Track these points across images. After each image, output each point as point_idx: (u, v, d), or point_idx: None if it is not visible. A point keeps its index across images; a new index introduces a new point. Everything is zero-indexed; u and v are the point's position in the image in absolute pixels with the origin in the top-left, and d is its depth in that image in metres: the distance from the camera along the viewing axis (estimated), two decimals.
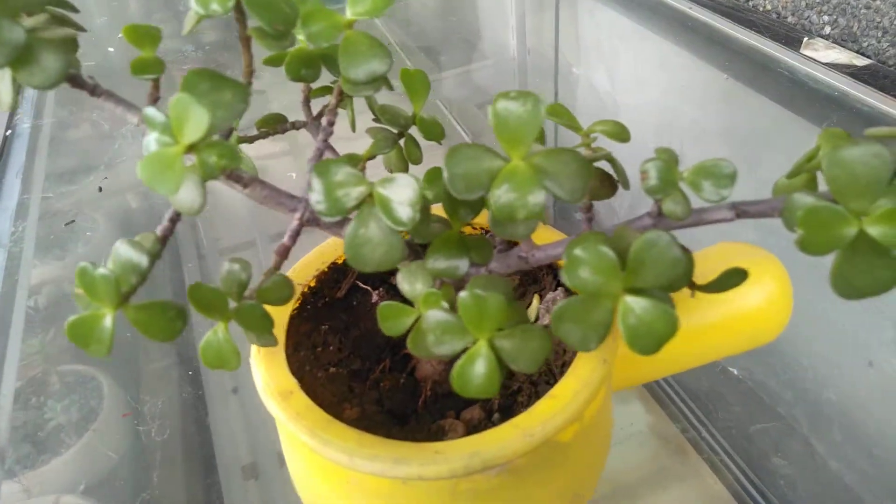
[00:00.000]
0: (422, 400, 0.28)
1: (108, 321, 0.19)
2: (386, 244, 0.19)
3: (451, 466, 0.22)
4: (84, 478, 0.40)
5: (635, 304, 0.17)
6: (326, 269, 0.31)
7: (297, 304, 0.30)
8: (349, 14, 0.22)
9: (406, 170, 0.29)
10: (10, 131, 0.66)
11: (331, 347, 0.30)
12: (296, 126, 0.28)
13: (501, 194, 0.18)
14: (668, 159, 0.19)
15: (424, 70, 0.27)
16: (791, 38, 0.67)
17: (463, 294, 0.18)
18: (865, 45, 0.63)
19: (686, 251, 0.21)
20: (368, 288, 0.30)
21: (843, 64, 0.62)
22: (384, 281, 0.32)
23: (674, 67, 0.75)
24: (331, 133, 0.23)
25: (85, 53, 0.22)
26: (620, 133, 0.23)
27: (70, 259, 0.55)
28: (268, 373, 0.25)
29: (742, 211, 0.19)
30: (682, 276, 0.20)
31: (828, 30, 0.66)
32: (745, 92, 0.65)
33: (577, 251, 0.17)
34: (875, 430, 0.40)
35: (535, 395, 0.26)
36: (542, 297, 0.30)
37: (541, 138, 0.21)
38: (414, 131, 0.28)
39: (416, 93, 0.27)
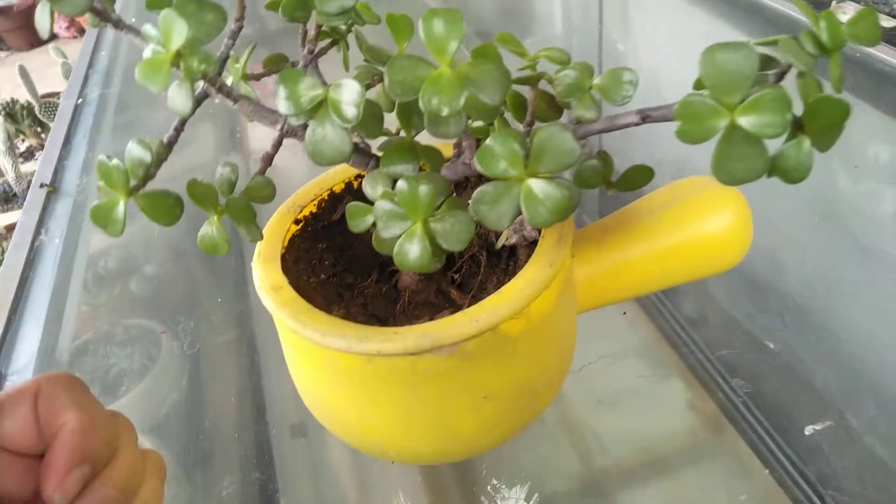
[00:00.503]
0: (399, 304, 0.31)
1: (121, 206, 0.23)
2: (338, 140, 0.22)
3: (405, 344, 0.26)
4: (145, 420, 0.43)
5: (535, 185, 0.20)
6: (325, 196, 0.35)
7: (300, 227, 0.34)
8: None
9: (393, 108, 0.32)
10: (80, 100, 0.74)
11: (326, 262, 0.34)
12: (294, 65, 0.32)
13: (430, 97, 0.21)
14: (583, 70, 0.22)
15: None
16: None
17: (400, 183, 0.22)
18: None
19: (605, 155, 0.24)
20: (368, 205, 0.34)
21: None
22: None
23: (716, 42, 0.75)
24: (311, 60, 0.27)
25: None
26: (562, 58, 0.26)
27: None
28: (264, 272, 0.30)
29: (646, 115, 0.22)
30: (596, 175, 0.23)
31: None
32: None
33: (489, 141, 0.21)
34: None
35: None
36: None
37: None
38: None
39: (400, 33, 0.30)
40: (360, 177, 0.37)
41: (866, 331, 0.42)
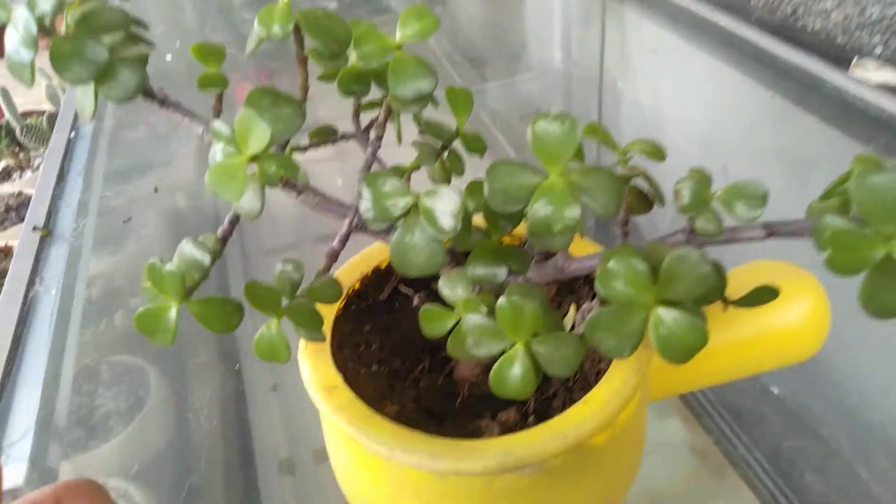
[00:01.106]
0: (459, 400, 0.29)
1: (172, 313, 0.21)
2: (428, 251, 0.20)
3: (485, 463, 0.23)
4: (131, 463, 0.43)
5: (666, 315, 0.18)
6: (370, 273, 0.33)
7: (342, 305, 0.32)
8: (398, 37, 0.23)
9: (448, 181, 0.30)
10: (73, 133, 0.70)
11: (372, 347, 0.31)
12: (345, 137, 0.30)
13: (539, 208, 0.19)
14: (701, 179, 0.20)
15: (469, 81, 0.28)
16: (840, 58, 0.66)
17: (501, 300, 0.20)
18: None
19: (719, 267, 0.22)
20: (410, 292, 0.31)
21: (894, 85, 0.61)
22: (425, 286, 0.33)
23: (719, 85, 0.74)
24: (378, 147, 0.24)
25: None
26: (656, 152, 0.24)
27: (123, 255, 0.58)
28: (314, 368, 0.27)
29: (773, 230, 0.20)
30: (714, 290, 0.21)
31: (879, 49, 0.65)
32: (792, 111, 0.65)
33: (611, 263, 0.18)
34: None
35: (570, 401, 0.27)
36: (578, 307, 0.30)
37: (579, 155, 0.22)
38: (457, 144, 0.29)
39: (460, 108, 0.28)
40: None
41: (877, 384, 0.41)
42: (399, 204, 0.20)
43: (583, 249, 0.30)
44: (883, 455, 0.39)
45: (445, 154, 0.29)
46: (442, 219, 0.19)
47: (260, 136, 0.18)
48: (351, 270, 0.32)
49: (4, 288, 0.50)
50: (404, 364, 0.31)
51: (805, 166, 0.60)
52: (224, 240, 0.23)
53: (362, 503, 0.29)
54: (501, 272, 0.22)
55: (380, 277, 0.33)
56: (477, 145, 0.29)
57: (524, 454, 0.23)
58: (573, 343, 0.20)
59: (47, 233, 0.56)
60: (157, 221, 0.63)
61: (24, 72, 0.20)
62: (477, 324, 0.21)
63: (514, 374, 0.20)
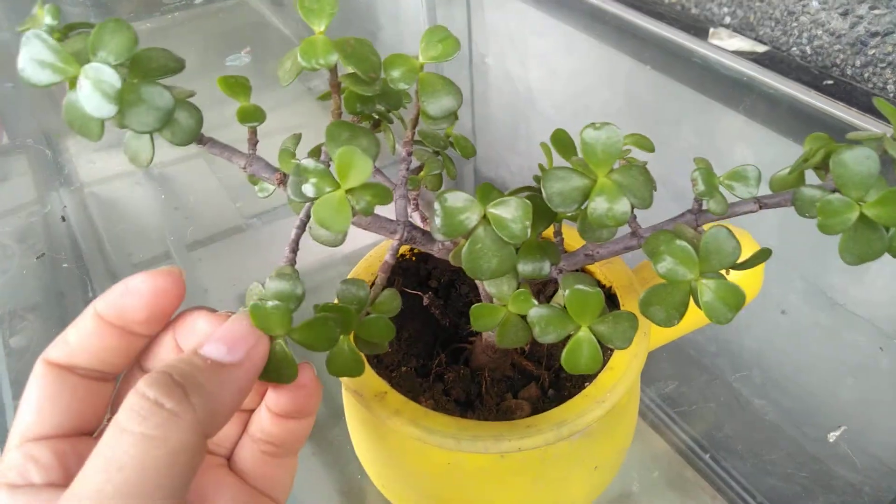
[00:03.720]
0: (483, 386, 0.31)
1: (284, 348, 0.22)
2: (500, 256, 0.22)
3: (544, 437, 0.26)
4: None
5: (709, 285, 0.22)
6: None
7: None
8: (421, 58, 0.25)
9: (441, 185, 0.32)
10: None
11: (390, 350, 0.33)
12: None
13: (597, 206, 0.22)
14: (708, 168, 0.24)
15: None
16: (698, 29, 0.75)
17: (568, 292, 0.22)
18: (762, 33, 0.72)
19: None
20: (419, 293, 0.33)
21: (746, 51, 0.70)
22: (427, 287, 0.35)
23: (584, 56, 0.81)
24: (410, 162, 0.26)
25: None
26: (647, 144, 0.28)
27: None
28: (360, 379, 0.28)
29: (763, 203, 0.25)
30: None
31: (728, 20, 0.75)
32: (653, 76, 0.72)
33: (662, 248, 0.22)
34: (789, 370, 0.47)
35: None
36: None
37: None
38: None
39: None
40: (412, 250, 0.36)
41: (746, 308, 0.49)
42: (473, 217, 0.22)
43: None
44: (757, 372, 0.47)
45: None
46: (513, 226, 0.22)
47: (361, 169, 0.19)
48: (367, 269, 0.33)
49: None
50: (419, 362, 0.33)
51: (669, 126, 0.67)
52: (292, 263, 0.24)
53: (413, 496, 0.31)
54: (546, 265, 0.25)
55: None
56: (468, 149, 0.32)
57: (575, 423, 0.26)
58: (628, 319, 0.23)
59: None
60: None
61: (93, 127, 0.19)
62: (543, 314, 0.23)
63: (584, 354, 0.23)
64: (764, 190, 0.25)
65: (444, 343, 0.34)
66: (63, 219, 0.60)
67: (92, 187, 0.67)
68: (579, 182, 0.22)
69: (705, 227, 0.25)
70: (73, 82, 0.19)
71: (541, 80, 0.82)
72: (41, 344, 0.46)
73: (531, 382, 0.32)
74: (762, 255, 0.25)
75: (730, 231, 0.22)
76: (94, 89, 0.18)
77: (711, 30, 0.74)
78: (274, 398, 0.23)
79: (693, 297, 0.22)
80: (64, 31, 0.23)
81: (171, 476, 0.17)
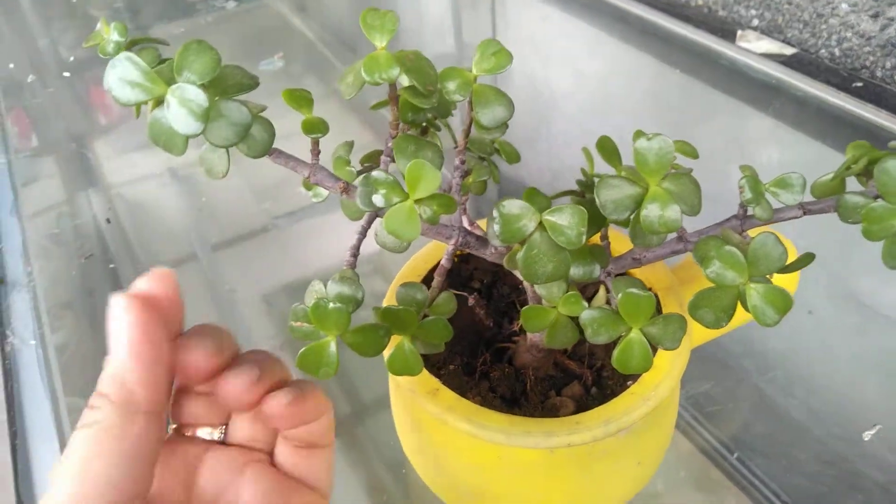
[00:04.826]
0: (528, 384, 0.33)
1: (333, 347, 0.23)
2: (556, 260, 0.23)
3: (593, 433, 0.27)
4: None
5: (757, 289, 0.23)
6: (425, 274, 0.35)
7: None
8: (475, 70, 0.26)
9: (485, 190, 0.33)
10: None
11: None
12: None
13: (649, 213, 0.23)
14: (753, 175, 0.25)
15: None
16: (725, 31, 0.75)
17: (621, 295, 0.24)
18: (790, 35, 0.72)
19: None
20: (465, 294, 0.34)
21: (774, 53, 0.71)
22: (470, 287, 0.36)
23: (609, 59, 0.82)
24: (463, 170, 0.27)
25: None
26: (692, 151, 0.29)
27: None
28: (411, 378, 0.30)
29: (807, 209, 0.25)
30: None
31: (755, 22, 0.75)
32: (680, 79, 0.73)
33: (711, 253, 0.23)
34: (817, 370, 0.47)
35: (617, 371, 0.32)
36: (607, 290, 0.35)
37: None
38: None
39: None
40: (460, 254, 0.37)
41: None
42: (530, 225, 0.23)
43: (622, 242, 0.34)
44: (783, 372, 0.47)
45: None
46: (569, 232, 0.23)
47: (430, 181, 0.20)
48: (415, 270, 0.35)
49: None
50: (463, 360, 0.34)
51: (693, 127, 0.68)
52: (352, 265, 0.25)
53: (462, 490, 0.32)
54: (596, 269, 0.26)
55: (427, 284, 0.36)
56: (513, 155, 0.33)
57: (622, 420, 0.27)
58: (676, 320, 0.24)
59: (1, 281, 0.52)
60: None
61: (178, 143, 0.21)
62: (595, 316, 0.24)
63: (636, 354, 0.24)
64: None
65: (487, 342, 0.35)
66: (108, 221, 0.62)
67: (119, 189, 0.69)
68: (631, 190, 0.23)
69: (749, 232, 0.26)
70: (157, 101, 0.21)
71: (563, 82, 0.82)
72: (77, 340, 0.47)
73: (574, 381, 0.33)
74: (806, 260, 0.26)
75: (777, 237, 0.23)
76: (181, 107, 0.20)
77: (739, 32, 0.74)
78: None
79: (741, 300, 0.23)
80: (128, 46, 0.24)
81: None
